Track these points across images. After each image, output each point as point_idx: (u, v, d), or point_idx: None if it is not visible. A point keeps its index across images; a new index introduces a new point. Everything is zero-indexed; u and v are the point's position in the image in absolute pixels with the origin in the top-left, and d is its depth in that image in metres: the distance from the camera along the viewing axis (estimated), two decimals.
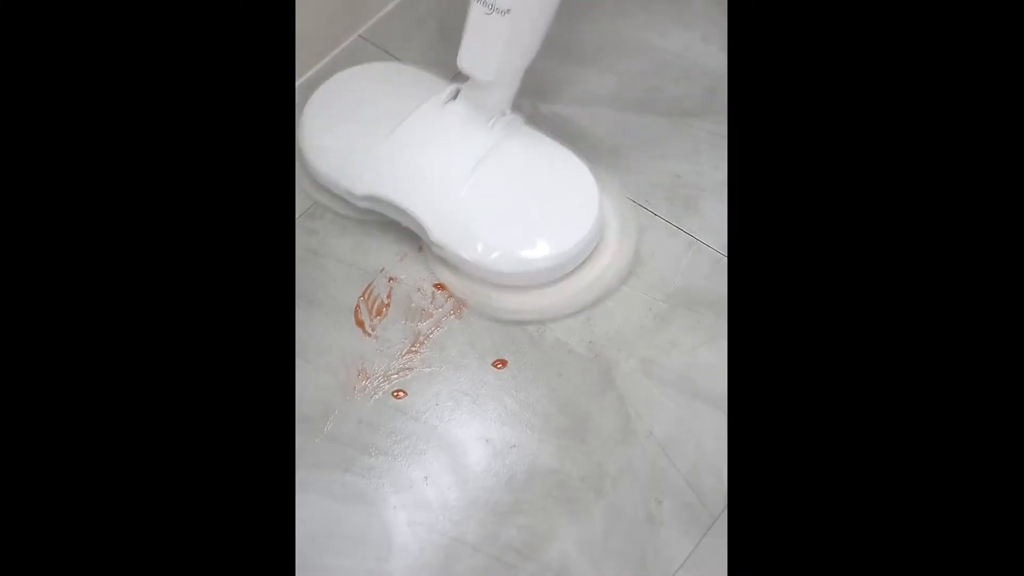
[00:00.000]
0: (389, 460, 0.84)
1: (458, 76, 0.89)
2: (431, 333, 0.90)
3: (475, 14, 0.84)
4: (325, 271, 0.94)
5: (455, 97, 0.92)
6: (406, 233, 0.95)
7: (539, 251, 0.88)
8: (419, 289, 0.92)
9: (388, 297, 0.92)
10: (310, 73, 1.08)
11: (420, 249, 0.94)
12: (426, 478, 0.83)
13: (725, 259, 0.93)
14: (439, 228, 0.88)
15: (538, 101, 1.05)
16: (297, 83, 1.07)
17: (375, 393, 0.87)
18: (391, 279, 0.93)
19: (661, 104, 1.05)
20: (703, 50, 1.09)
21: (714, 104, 1.04)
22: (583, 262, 0.90)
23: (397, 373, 0.88)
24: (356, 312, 0.91)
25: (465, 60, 0.86)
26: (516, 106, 0.94)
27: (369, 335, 0.90)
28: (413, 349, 0.89)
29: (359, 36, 1.11)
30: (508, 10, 0.81)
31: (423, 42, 1.09)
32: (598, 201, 0.90)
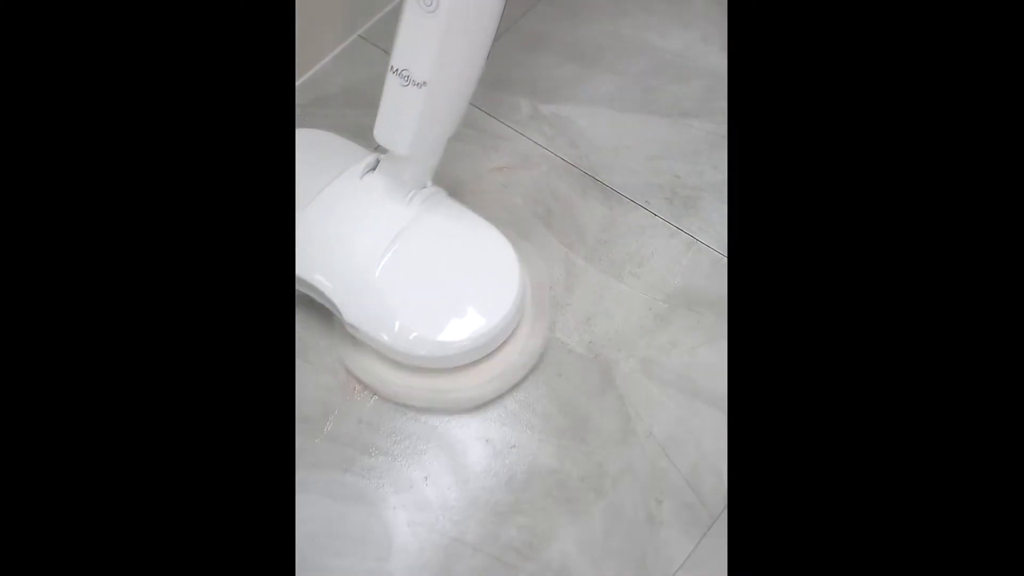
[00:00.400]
0: (389, 460, 0.84)
1: None
2: None
3: (391, 86, 0.79)
4: None
5: (374, 168, 0.88)
6: None
7: (458, 331, 0.83)
8: None
9: None
10: (310, 73, 1.08)
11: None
12: (426, 478, 0.83)
13: (725, 259, 0.94)
14: (352, 308, 0.83)
15: (538, 101, 1.05)
16: (298, 83, 1.07)
17: (375, 393, 0.87)
18: None
19: (661, 104, 1.05)
20: (703, 50, 1.09)
21: (714, 104, 1.04)
22: (502, 344, 0.87)
23: None
24: None
25: (381, 133, 0.82)
26: (515, 107, 0.94)
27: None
28: None
29: (359, 36, 1.11)
30: (424, 83, 0.77)
31: None
32: (520, 279, 0.86)
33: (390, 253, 0.84)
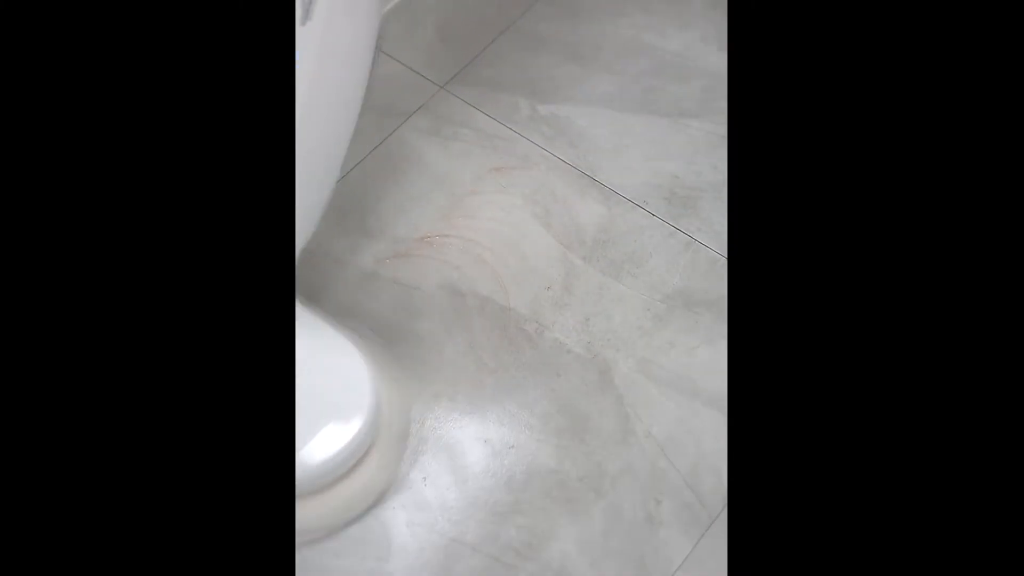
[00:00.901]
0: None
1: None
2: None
3: None
4: (323, 271, 0.94)
5: None
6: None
7: (304, 456, 0.75)
8: (418, 287, 0.92)
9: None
10: None
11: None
12: (425, 479, 0.83)
13: (723, 259, 0.94)
14: None
15: (536, 102, 1.05)
16: None
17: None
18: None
19: (660, 104, 1.05)
20: (702, 50, 1.09)
21: (713, 104, 1.04)
22: (350, 469, 0.79)
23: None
24: None
25: None
26: (513, 107, 0.94)
27: None
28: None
29: None
30: None
31: (421, 42, 1.10)
32: (370, 403, 0.78)
33: None
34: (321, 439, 0.76)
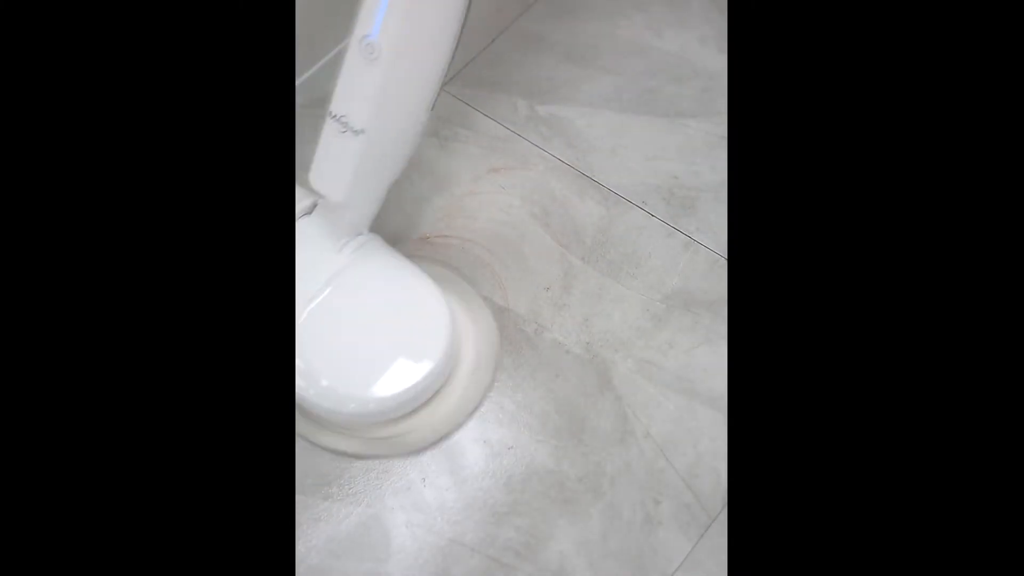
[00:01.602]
0: (387, 461, 0.83)
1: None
2: None
3: (328, 131, 0.77)
4: None
5: (310, 212, 0.86)
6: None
7: (382, 389, 0.80)
8: None
9: None
10: (308, 74, 1.08)
11: None
12: (424, 479, 0.83)
13: (722, 260, 0.94)
14: None
15: (535, 102, 1.05)
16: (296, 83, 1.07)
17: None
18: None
19: (658, 105, 1.05)
20: (700, 51, 1.09)
21: (711, 105, 1.04)
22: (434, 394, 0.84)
23: None
24: None
25: (316, 179, 0.80)
26: (512, 107, 0.94)
27: None
28: None
29: None
30: (362, 130, 0.75)
31: None
32: (449, 331, 0.82)
33: (317, 301, 0.82)
34: (407, 365, 0.81)
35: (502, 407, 0.86)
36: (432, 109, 0.78)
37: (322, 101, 1.05)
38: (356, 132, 0.75)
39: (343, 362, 0.81)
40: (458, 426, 0.84)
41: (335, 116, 0.76)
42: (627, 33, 1.11)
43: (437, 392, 0.83)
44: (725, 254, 0.94)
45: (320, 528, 0.80)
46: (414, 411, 0.83)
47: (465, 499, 0.82)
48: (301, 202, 0.85)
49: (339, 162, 0.78)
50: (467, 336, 0.87)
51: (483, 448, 0.84)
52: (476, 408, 0.85)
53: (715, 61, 1.08)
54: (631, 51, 1.09)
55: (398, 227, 0.97)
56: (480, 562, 0.79)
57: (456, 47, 0.75)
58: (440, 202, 0.99)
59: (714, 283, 0.92)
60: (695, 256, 0.94)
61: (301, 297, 0.81)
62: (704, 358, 0.88)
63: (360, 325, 0.83)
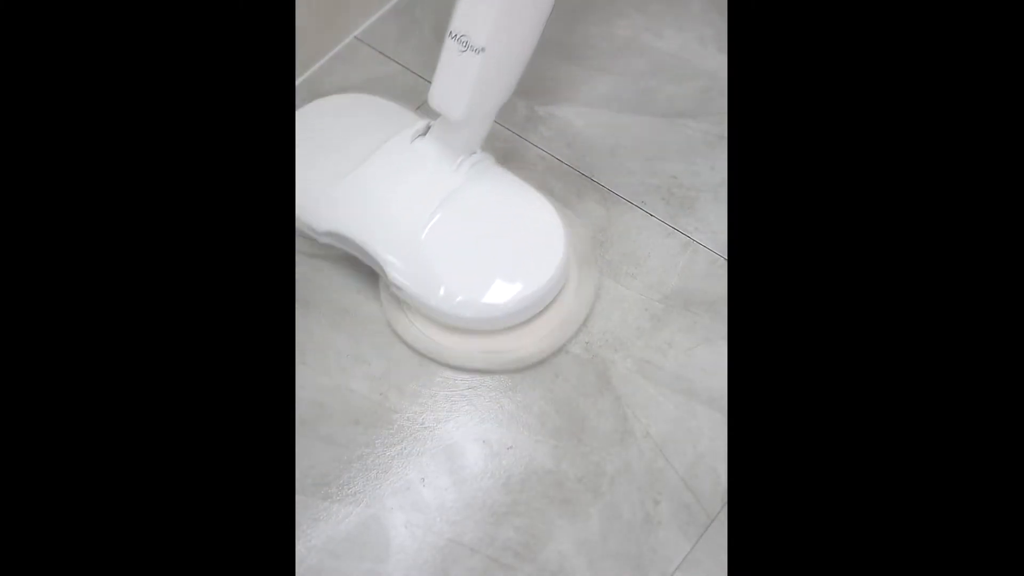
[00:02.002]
0: (386, 461, 0.83)
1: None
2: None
3: (448, 51, 0.81)
4: (321, 272, 0.94)
5: (425, 133, 0.89)
6: None
7: (502, 295, 0.85)
8: None
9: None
10: (307, 75, 1.08)
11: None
12: (423, 479, 0.83)
13: (722, 260, 0.94)
14: (399, 269, 0.85)
15: (534, 102, 1.05)
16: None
17: (371, 394, 0.87)
18: None
19: (657, 105, 1.05)
20: (699, 51, 1.09)
21: (710, 105, 1.04)
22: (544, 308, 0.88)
23: (395, 374, 0.88)
24: None
25: (436, 97, 0.84)
26: (511, 107, 0.94)
27: None
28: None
29: (355, 38, 1.11)
30: (482, 48, 0.79)
31: (418, 43, 1.09)
32: (564, 244, 0.87)
33: (438, 217, 0.86)
34: (525, 273, 0.86)
35: (501, 407, 0.86)
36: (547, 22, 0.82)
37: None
38: (476, 50, 0.79)
39: (464, 272, 0.86)
40: (568, 341, 0.88)
41: (455, 35, 0.80)
42: (626, 33, 1.11)
43: (547, 306, 0.88)
44: (724, 254, 0.94)
45: (319, 528, 0.80)
46: (527, 323, 0.87)
47: (464, 499, 0.82)
48: (415, 125, 0.90)
49: (459, 81, 0.81)
50: (571, 253, 0.92)
51: (482, 448, 0.84)
52: (582, 326, 0.89)
53: (715, 61, 1.08)
54: (630, 51, 1.09)
55: None
56: (479, 562, 0.79)
57: None
58: None
59: (713, 283, 0.92)
60: (694, 256, 0.94)
61: (421, 213, 0.86)
62: (703, 358, 0.88)
63: (480, 237, 0.88)
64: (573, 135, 1.03)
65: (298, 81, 1.07)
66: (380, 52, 1.09)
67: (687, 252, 0.94)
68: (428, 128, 0.90)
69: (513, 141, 1.02)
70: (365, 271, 0.93)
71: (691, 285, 0.92)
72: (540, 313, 0.88)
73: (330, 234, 0.89)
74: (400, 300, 0.88)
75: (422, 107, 1.03)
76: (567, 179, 1.00)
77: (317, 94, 1.05)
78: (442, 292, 0.85)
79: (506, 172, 0.92)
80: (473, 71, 0.80)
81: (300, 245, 0.95)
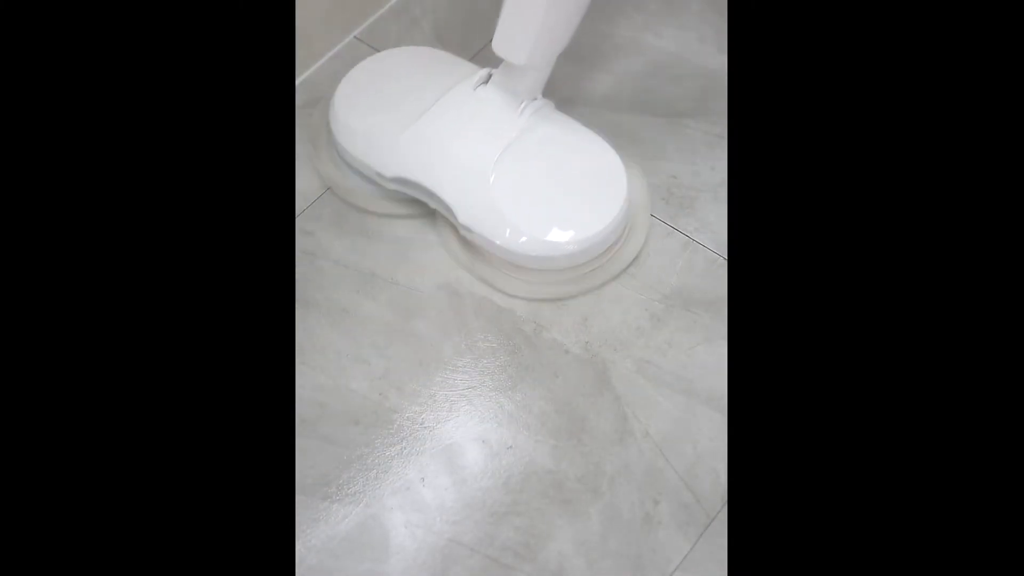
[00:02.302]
0: (386, 461, 0.83)
1: (474, 59, 0.90)
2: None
3: None
4: (321, 272, 0.94)
5: (487, 82, 0.92)
6: (403, 235, 0.95)
7: (567, 235, 0.89)
8: (417, 288, 0.92)
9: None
10: (306, 74, 1.08)
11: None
12: (423, 479, 0.83)
13: (721, 259, 0.94)
14: (467, 212, 0.89)
15: None
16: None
17: (371, 394, 0.87)
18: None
19: (657, 105, 1.05)
20: (699, 51, 1.09)
21: (710, 105, 1.04)
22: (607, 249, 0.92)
23: (394, 374, 0.88)
24: None
25: (500, 44, 0.86)
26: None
27: None
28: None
29: (355, 37, 1.11)
30: None
31: (418, 43, 1.09)
32: (626, 187, 0.91)
33: (503, 160, 0.90)
34: (589, 214, 0.90)
35: (501, 407, 0.86)
36: None
37: (319, 102, 1.05)
38: None
39: (529, 213, 0.89)
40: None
41: None
42: (626, 33, 1.11)
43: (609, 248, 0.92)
44: (724, 254, 0.94)
45: (319, 528, 0.80)
46: (590, 263, 0.91)
47: (464, 499, 0.82)
48: (476, 73, 0.93)
49: (523, 26, 0.84)
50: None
51: (482, 448, 0.84)
52: (627, 266, 0.93)
53: (714, 61, 1.08)
54: (630, 51, 1.09)
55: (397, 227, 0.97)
56: (479, 562, 0.79)
57: None
58: None
59: (713, 283, 0.92)
60: (694, 256, 0.94)
61: (487, 158, 0.90)
62: (703, 358, 0.88)
63: (544, 180, 0.91)
64: None
65: (298, 81, 1.07)
66: (380, 52, 1.09)
67: (687, 252, 0.94)
68: (489, 76, 0.93)
69: None
70: (365, 271, 0.93)
71: (691, 285, 0.92)
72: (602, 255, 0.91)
73: (398, 180, 0.92)
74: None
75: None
76: None
77: (317, 94, 1.05)
78: (508, 233, 0.88)
79: (568, 118, 0.95)
80: (537, 16, 0.82)
81: (301, 244, 0.95)
